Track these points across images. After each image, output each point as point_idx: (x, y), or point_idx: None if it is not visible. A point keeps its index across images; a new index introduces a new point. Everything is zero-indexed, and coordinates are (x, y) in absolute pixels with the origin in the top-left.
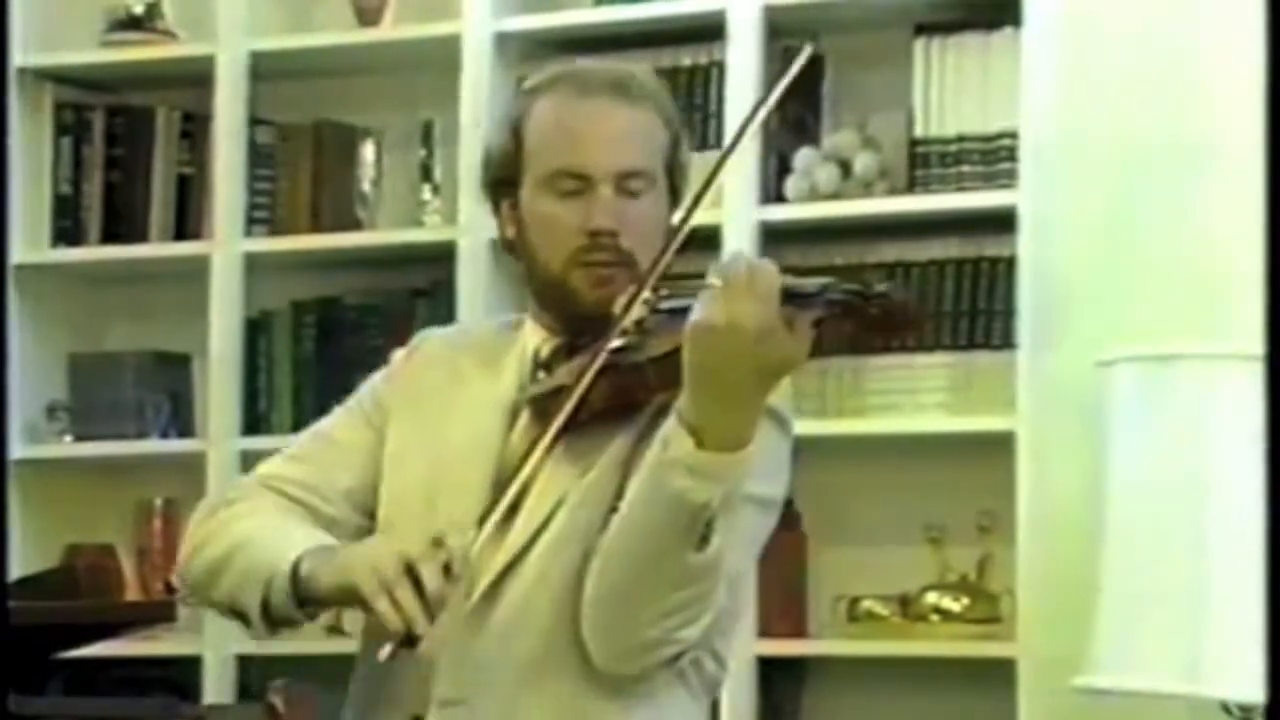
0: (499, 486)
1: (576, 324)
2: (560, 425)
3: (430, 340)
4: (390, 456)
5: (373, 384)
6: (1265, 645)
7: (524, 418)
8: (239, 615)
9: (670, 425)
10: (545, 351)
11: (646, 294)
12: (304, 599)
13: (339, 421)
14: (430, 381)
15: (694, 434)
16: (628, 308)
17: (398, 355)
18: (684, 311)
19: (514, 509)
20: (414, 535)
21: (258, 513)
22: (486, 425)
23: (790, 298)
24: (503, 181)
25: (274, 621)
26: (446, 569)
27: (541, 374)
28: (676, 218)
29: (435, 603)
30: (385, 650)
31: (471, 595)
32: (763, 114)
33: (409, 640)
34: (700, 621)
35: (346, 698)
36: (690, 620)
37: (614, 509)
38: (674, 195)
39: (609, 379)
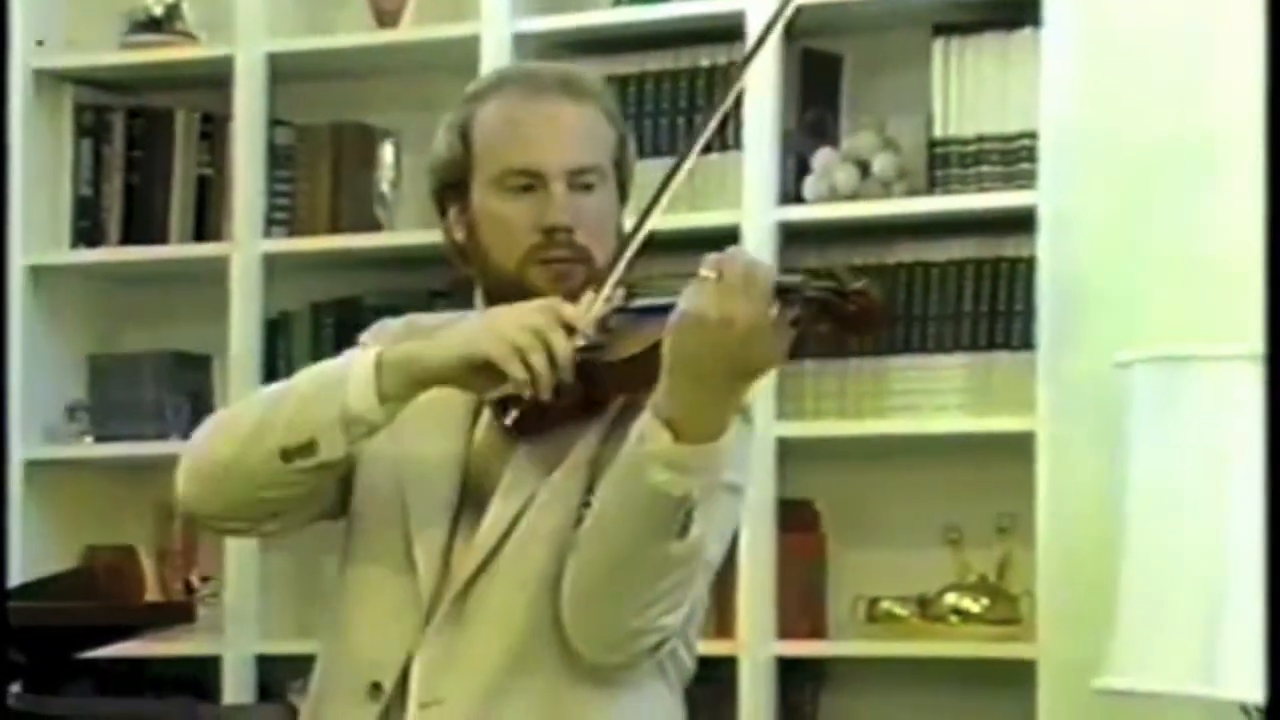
0: (467, 489)
1: None
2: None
3: (390, 328)
4: (362, 458)
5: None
6: (1265, 646)
7: (485, 419)
8: (294, 452)
9: (645, 420)
10: None
11: (608, 292)
12: (389, 394)
13: None
14: None
15: (670, 427)
16: (591, 307)
17: (364, 338)
18: (650, 311)
19: (481, 509)
20: (388, 531)
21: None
22: (449, 423)
23: (779, 295)
24: (451, 185)
25: (350, 431)
26: (570, 330)
27: None
28: (629, 220)
29: (564, 368)
30: (511, 415)
31: (443, 599)
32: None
33: (534, 408)
34: (682, 608)
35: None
36: (673, 607)
37: (585, 505)
38: (621, 194)
39: (577, 378)
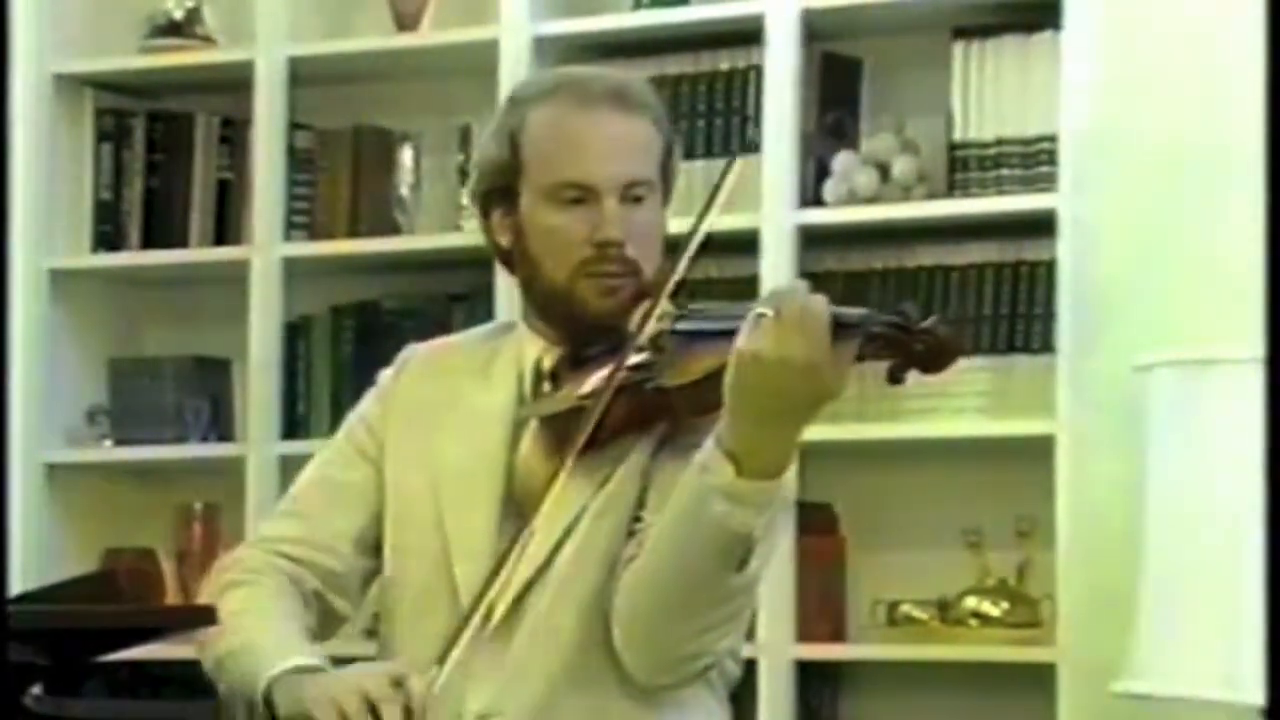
0: (510, 502)
1: (581, 334)
2: (579, 448)
3: (417, 355)
4: (391, 480)
5: (361, 412)
6: (1265, 645)
7: (533, 432)
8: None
9: (709, 451)
10: (549, 362)
11: (662, 308)
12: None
13: (334, 460)
14: (422, 396)
15: (733, 461)
16: (643, 324)
17: (385, 375)
18: (705, 336)
19: (527, 519)
20: (421, 557)
21: (250, 609)
22: (488, 438)
23: (838, 331)
24: (497, 190)
25: None
26: (407, 713)
27: (547, 386)
28: (675, 230)
29: None
30: None
31: (495, 612)
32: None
33: None
34: (736, 633)
35: None
36: (728, 634)
37: (636, 518)
38: (666, 195)
39: (629, 399)
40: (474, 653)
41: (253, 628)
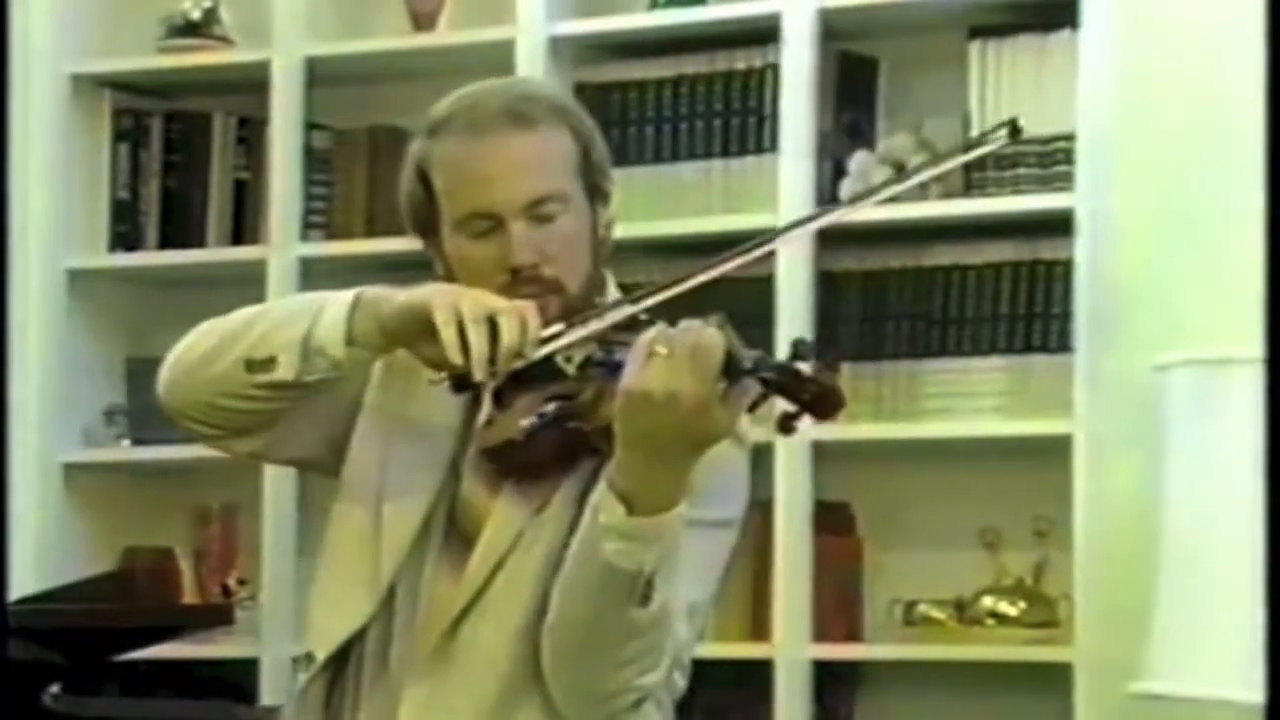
0: (451, 526)
1: None
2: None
3: None
4: (350, 454)
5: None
6: (1265, 645)
7: (471, 459)
8: (256, 365)
9: (600, 492)
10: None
11: (592, 329)
12: (356, 335)
13: None
14: (386, 399)
15: (624, 500)
16: (577, 361)
17: None
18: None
19: (469, 547)
20: (362, 529)
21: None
22: (438, 427)
23: (728, 373)
24: (420, 224)
25: (309, 359)
26: (523, 331)
27: (489, 405)
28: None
29: (503, 357)
30: (442, 384)
31: (430, 636)
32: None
33: (461, 381)
34: (660, 667)
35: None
36: (648, 668)
37: (566, 546)
38: (596, 195)
39: (558, 436)
40: (406, 677)
41: (259, 309)
